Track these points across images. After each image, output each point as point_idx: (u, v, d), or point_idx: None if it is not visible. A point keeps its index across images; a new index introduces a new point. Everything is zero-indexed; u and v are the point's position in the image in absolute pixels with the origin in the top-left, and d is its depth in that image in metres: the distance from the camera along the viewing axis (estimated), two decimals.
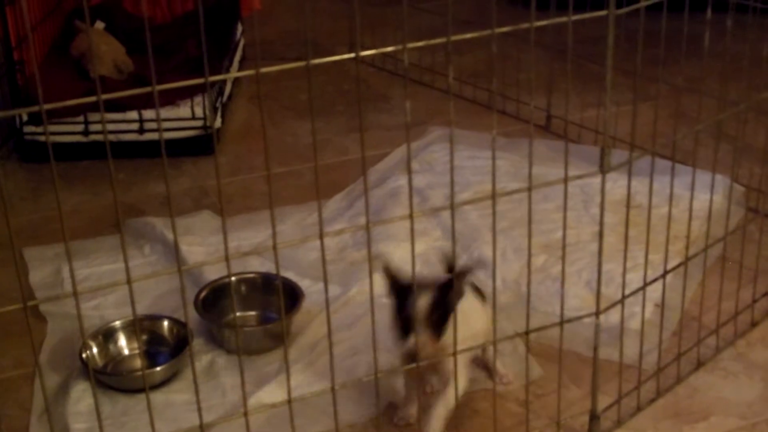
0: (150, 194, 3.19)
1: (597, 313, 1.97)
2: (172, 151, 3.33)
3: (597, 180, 1.99)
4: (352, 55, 1.58)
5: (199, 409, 1.67)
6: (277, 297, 2.49)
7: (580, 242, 2.81)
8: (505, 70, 3.53)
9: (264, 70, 1.46)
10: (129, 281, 1.54)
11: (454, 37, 1.60)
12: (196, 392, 1.66)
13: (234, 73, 3.86)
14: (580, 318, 2.01)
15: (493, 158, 1.77)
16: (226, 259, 1.60)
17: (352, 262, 2.75)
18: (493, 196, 1.79)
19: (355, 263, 2.70)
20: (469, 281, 2.06)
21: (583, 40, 2.37)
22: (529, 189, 1.83)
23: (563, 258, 1.93)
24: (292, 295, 2.46)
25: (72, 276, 1.52)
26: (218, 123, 3.53)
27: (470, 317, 1.98)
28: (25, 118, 3.39)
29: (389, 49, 1.77)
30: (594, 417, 2.06)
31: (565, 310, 2.42)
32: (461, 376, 1.94)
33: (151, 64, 1.44)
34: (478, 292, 2.15)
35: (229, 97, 3.79)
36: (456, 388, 1.92)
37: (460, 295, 1.95)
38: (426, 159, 3.34)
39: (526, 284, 2.57)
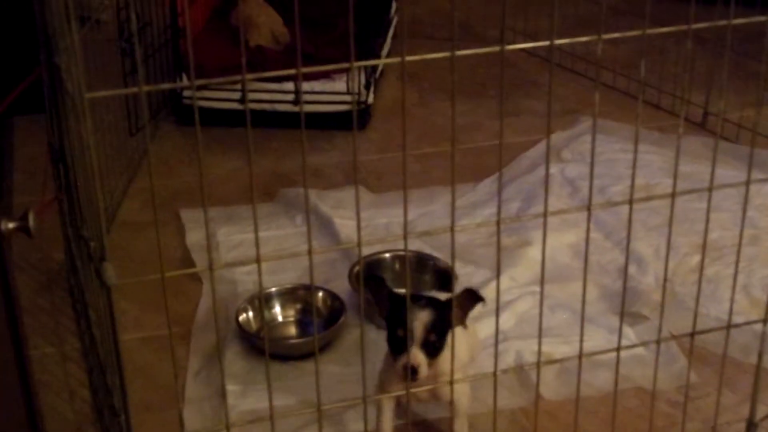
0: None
1: (765, 320, 1.93)
2: (324, 125, 3.38)
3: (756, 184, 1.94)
4: (497, 48, 1.56)
5: (364, 380, 1.69)
6: (430, 276, 2.53)
7: (737, 245, 2.74)
8: (663, 64, 3.46)
9: (409, 58, 1.45)
10: (258, 259, 1.56)
11: (604, 36, 1.57)
12: (362, 364, 1.68)
13: (381, 60, 3.90)
14: (748, 323, 1.97)
15: (635, 151, 1.74)
16: (404, 237, 1.61)
17: (502, 248, 2.74)
18: (631, 199, 1.76)
19: (506, 249, 2.70)
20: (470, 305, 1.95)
21: (746, 37, 2.30)
22: (672, 195, 1.80)
23: (737, 262, 1.88)
24: (445, 277, 2.47)
25: (257, 241, 1.54)
26: (370, 99, 3.56)
27: (460, 342, 1.83)
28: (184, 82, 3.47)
29: (536, 44, 1.74)
30: (751, 425, 2.02)
31: (719, 314, 2.39)
32: (466, 400, 1.91)
33: (298, 42, 1.44)
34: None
35: (381, 73, 3.82)
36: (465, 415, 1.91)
37: (464, 315, 1.89)
38: (578, 149, 3.31)
39: (680, 284, 2.56)
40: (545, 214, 1.68)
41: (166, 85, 1.66)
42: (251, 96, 3.44)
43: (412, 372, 1.76)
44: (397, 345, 1.81)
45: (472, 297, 1.89)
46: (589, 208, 1.72)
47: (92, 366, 2.17)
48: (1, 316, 1.47)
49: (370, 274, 1.95)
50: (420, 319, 1.79)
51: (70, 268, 2.49)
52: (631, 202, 1.75)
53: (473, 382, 1.90)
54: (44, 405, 2.00)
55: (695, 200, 2.79)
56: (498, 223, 1.64)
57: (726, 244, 2.72)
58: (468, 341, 1.97)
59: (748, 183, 1.82)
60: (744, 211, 1.88)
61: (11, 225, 1.35)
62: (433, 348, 1.80)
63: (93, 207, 1.46)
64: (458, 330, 1.88)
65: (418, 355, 1.77)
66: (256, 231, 1.59)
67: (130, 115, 3.11)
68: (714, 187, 1.79)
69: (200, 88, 3.35)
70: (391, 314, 1.86)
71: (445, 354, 1.79)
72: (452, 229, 1.63)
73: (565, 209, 1.82)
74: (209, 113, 3.37)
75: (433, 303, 1.85)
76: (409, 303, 1.65)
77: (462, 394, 1.90)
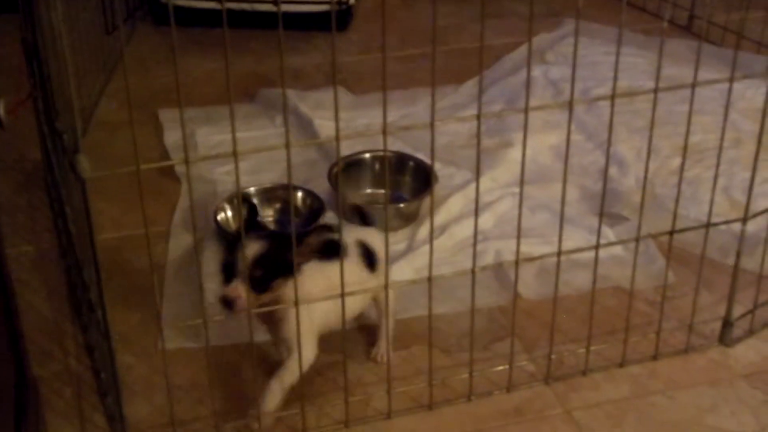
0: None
1: (744, 219, 1.93)
2: (305, 25, 3.33)
3: (738, 86, 1.92)
4: None
5: (342, 279, 1.69)
6: (410, 177, 2.52)
7: (718, 147, 2.73)
8: None
9: None
10: (235, 153, 1.54)
11: None
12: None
13: None
14: (727, 222, 1.97)
15: (618, 49, 1.71)
16: (383, 133, 1.60)
17: (483, 149, 2.72)
18: (613, 94, 1.76)
19: (487, 150, 2.68)
20: (357, 243, 1.88)
21: None
22: (655, 91, 1.78)
23: (718, 164, 1.87)
24: (425, 177, 2.46)
25: (234, 138, 1.53)
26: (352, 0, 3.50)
27: (331, 283, 1.73)
28: None
29: None
30: (727, 323, 2.04)
31: (699, 216, 2.39)
32: (306, 344, 1.77)
33: None
34: (369, 257, 1.93)
35: None
36: (300, 359, 1.76)
37: (309, 253, 1.75)
38: (561, 51, 3.28)
39: (661, 185, 2.56)
40: (526, 110, 1.66)
41: None
42: None
43: (227, 303, 1.69)
44: (227, 274, 1.73)
45: (322, 234, 1.78)
46: (571, 104, 1.70)
47: (70, 264, 2.16)
48: None
49: (245, 198, 1.89)
50: (248, 252, 1.70)
51: (46, 166, 2.46)
52: (613, 98, 1.74)
53: (452, 280, 1.89)
54: (22, 303, 1.99)
55: (678, 103, 2.76)
56: (478, 117, 1.63)
57: (708, 146, 2.71)
58: (326, 281, 1.80)
59: (731, 80, 1.81)
60: (726, 111, 1.86)
61: None
62: (259, 283, 1.71)
63: (65, 97, 1.43)
64: (355, 270, 1.85)
65: (237, 288, 1.69)
66: (233, 127, 1.57)
67: (106, 12, 3.05)
68: (697, 84, 1.78)
69: None
70: (229, 243, 1.78)
71: (289, 285, 1.71)
72: (432, 125, 1.62)
73: (547, 104, 1.80)
74: (187, 13, 3.31)
75: (271, 238, 1.75)
76: (244, 234, 1.65)
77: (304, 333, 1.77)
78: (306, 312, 1.73)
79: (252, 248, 1.70)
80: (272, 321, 1.81)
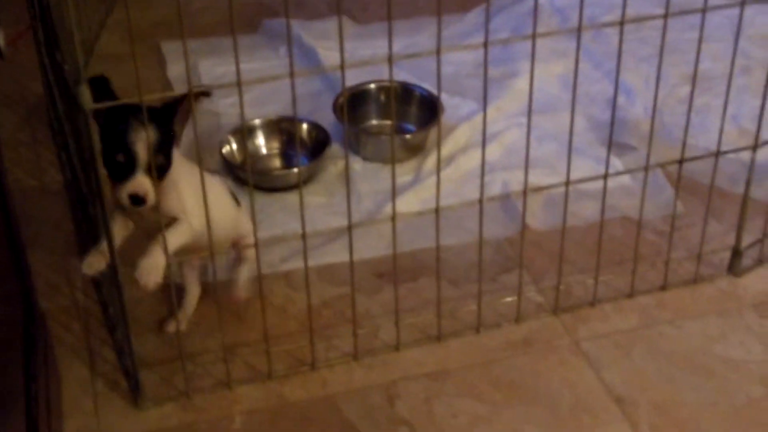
0: None
1: (754, 148, 1.91)
2: None
3: (749, 12, 1.89)
4: None
5: (349, 211, 1.68)
6: (416, 108, 2.49)
7: (727, 75, 2.70)
8: None
9: None
10: (239, 83, 1.52)
11: None
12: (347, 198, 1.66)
13: None
14: (736, 151, 1.95)
15: None
16: (389, 61, 1.57)
17: (489, 79, 2.69)
18: (622, 20, 1.73)
19: (493, 79, 2.64)
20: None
21: None
22: (665, 16, 1.75)
23: (727, 91, 1.84)
24: (431, 108, 2.43)
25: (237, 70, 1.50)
26: None
27: (212, 198, 1.66)
28: None
29: None
30: (736, 252, 2.03)
31: (708, 145, 2.36)
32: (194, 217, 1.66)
33: None
34: (234, 198, 1.90)
35: None
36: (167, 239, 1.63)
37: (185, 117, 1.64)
38: None
39: (669, 114, 2.53)
40: (533, 37, 1.64)
41: None
42: None
43: (138, 200, 1.58)
44: (119, 171, 1.58)
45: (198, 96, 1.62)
46: (579, 31, 1.67)
47: (74, 198, 2.15)
48: None
49: (93, 77, 1.55)
50: (143, 140, 1.56)
51: (48, 99, 2.44)
52: (622, 24, 1.71)
53: (459, 212, 1.88)
54: (27, 238, 1.99)
55: (686, 30, 2.71)
56: (485, 44, 1.61)
57: (717, 74, 2.67)
58: (237, 215, 1.84)
59: (742, 5, 1.77)
60: (737, 37, 1.83)
61: None
62: (160, 170, 1.60)
63: (66, 28, 1.41)
64: (227, 202, 1.84)
65: (144, 183, 1.57)
66: (236, 58, 1.55)
67: None
68: (708, 8, 1.74)
69: None
70: (108, 132, 1.57)
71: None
72: (438, 53, 1.59)
73: (555, 31, 1.77)
74: None
75: (154, 115, 1.57)
76: (132, 121, 1.53)
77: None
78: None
79: (147, 135, 1.55)
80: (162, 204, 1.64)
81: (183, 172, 1.67)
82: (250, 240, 1.77)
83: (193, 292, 1.93)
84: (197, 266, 1.92)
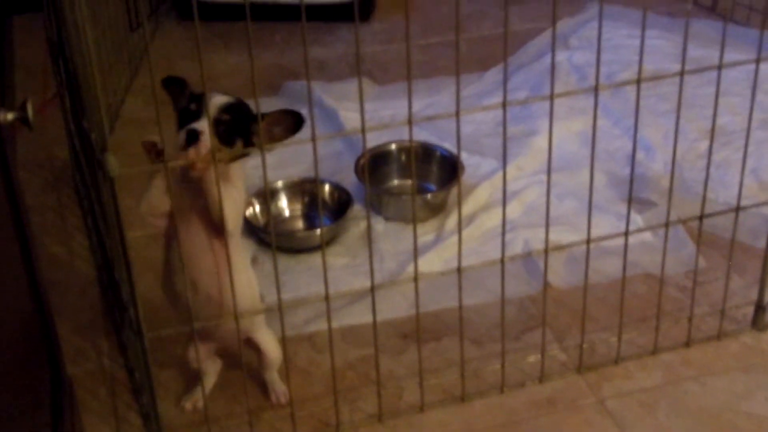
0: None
1: None
2: (328, 16, 3.33)
3: (765, 66, 1.90)
4: None
5: (372, 271, 1.70)
6: (436, 166, 2.51)
7: (745, 129, 2.71)
8: None
9: None
10: (262, 148, 1.54)
11: None
12: (370, 258, 1.68)
13: None
14: (757, 206, 1.95)
15: (642, 32, 1.69)
16: (409, 123, 1.60)
17: (508, 137, 2.71)
18: (639, 78, 1.74)
19: (513, 138, 2.67)
20: None
21: None
22: (681, 74, 1.76)
23: (746, 145, 1.85)
24: (451, 167, 2.45)
25: (260, 135, 1.53)
26: None
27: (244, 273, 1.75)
28: None
29: None
30: (759, 308, 2.03)
31: (728, 199, 2.37)
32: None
33: None
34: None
35: None
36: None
37: (273, 134, 1.66)
38: (585, 35, 3.26)
39: (689, 169, 2.54)
40: (551, 97, 1.66)
41: None
42: None
43: (192, 135, 1.58)
44: (187, 117, 1.63)
45: (291, 117, 1.68)
46: (596, 90, 1.69)
47: (101, 263, 2.18)
48: (6, 213, 1.47)
49: (169, 77, 1.72)
50: (216, 100, 1.64)
51: (74, 164, 2.48)
52: (639, 82, 1.73)
53: (481, 271, 1.88)
54: (54, 304, 2.00)
55: (704, 85, 2.74)
56: (504, 105, 1.62)
57: (735, 128, 2.69)
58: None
59: (758, 61, 1.79)
60: (753, 91, 1.85)
61: (10, 116, 1.33)
62: (225, 132, 1.63)
63: (92, 95, 1.44)
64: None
65: (205, 126, 1.58)
66: (259, 121, 1.58)
67: (130, 10, 3.06)
68: (723, 65, 1.76)
69: None
70: (190, 99, 1.68)
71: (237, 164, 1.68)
72: (457, 114, 1.62)
73: (572, 90, 1.79)
74: (211, 7, 3.32)
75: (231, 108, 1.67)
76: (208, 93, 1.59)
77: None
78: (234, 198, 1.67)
79: (220, 99, 1.65)
80: (201, 188, 1.65)
81: (234, 184, 1.68)
82: (264, 333, 1.81)
83: (211, 376, 1.92)
84: (214, 350, 1.89)
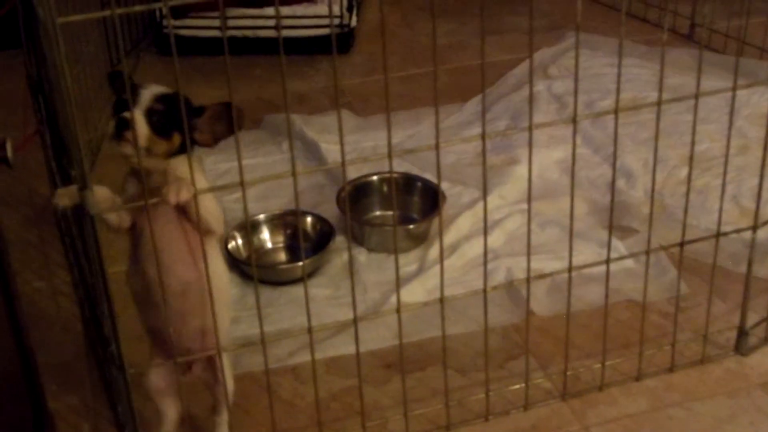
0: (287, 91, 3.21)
1: (754, 228, 1.93)
2: (308, 49, 3.35)
3: (743, 93, 1.92)
4: None
5: (354, 303, 1.69)
6: (418, 198, 2.52)
7: (725, 155, 2.74)
8: None
9: None
10: (242, 182, 1.55)
11: None
12: (352, 288, 1.68)
13: None
14: (737, 231, 1.97)
15: (619, 61, 1.71)
16: (389, 156, 1.60)
17: (490, 167, 2.73)
18: (616, 108, 1.75)
19: (494, 168, 2.69)
20: None
21: None
22: (659, 103, 1.78)
23: (725, 171, 1.87)
24: (433, 198, 2.46)
25: (240, 168, 1.53)
26: (353, 22, 3.51)
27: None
28: (164, 11, 3.42)
29: None
30: (742, 332, 2.04)
31: (709, 225, 2.38)
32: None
33: None
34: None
35: None
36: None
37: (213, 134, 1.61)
38: (564, 65, 3.29)
39: (669, 196, 2.55)
40: (530, 128, 1.67)
41: (138, 8, 1.61)
42: (232, 23, 3.40)
43: (122, 124, 1.52)
44: (121, 107, 1.55)
45: (228, 113, 1.59)
46: (574, 120, 1.71)
47: (83, 298, 2.17)
48: None
49: (114, 72, 1.64)
50: (151, 89, 1.57)
51: None
52: (616, 111, 1.74)
53: (464, 300, 1.89)
54: (36, 339, 2.00)
55: (683, 112, 2.77)
56: (483, 137, 1.63)
57: (715, 155, 2.71)
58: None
59: (734, 89, 1.81)
60: (731, 118, 1.86)
61: None
62: (159, 122, 1.55)
63: (71, 133, 1.44)
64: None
65: (136, 115, 1.52)
66: (239, 156, 1.57)
67: (110, 46, 3.06)
68: (701, 94, 1.78)
69: (179, 15, 3.32)
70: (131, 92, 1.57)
71: (182, 159, 1.59)
72: (437, 147, 1.62)
73: (551, 122, 1.80)
74: (190, 42, 3.33)
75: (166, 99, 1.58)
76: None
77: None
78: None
79: (156, 89, 1.57)
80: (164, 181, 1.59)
81: (198, 181, 1.58)
82: (226, 357, 1.72)
83: (170, 416, 1.82)
84: (174, 392, 1.80)
